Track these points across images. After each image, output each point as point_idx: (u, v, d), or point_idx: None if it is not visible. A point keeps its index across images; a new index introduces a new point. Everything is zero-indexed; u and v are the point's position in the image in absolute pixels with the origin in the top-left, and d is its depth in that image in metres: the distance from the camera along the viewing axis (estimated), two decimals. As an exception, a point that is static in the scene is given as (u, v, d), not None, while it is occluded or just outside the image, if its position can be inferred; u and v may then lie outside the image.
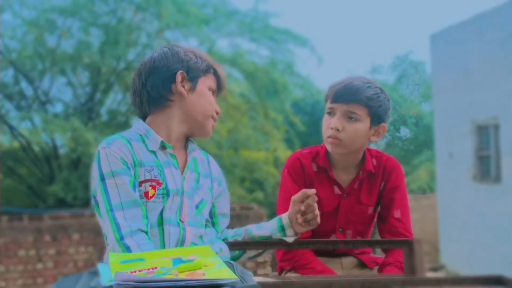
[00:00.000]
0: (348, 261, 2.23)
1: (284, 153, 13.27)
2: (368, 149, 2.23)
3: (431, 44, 11.63)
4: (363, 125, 2.09)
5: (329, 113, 2.12)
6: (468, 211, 10.41)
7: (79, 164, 11.98)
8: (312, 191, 1.85)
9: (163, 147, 1.69)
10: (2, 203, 10.01)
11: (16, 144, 12.86)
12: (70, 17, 12.02)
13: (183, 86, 1.73)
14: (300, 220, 1.88)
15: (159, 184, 1.63)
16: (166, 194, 1.63)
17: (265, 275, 2.26)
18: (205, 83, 1.76)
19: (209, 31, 12.97)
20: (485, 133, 10.01)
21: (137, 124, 1.76)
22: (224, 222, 1.90)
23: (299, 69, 15.25)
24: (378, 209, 2.24)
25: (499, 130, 9.65)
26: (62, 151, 12.78)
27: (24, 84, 12.58)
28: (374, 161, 2.21)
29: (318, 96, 23.09)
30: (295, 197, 1.90)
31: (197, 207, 1.71)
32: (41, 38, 11.97)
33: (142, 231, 1.57)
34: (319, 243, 2.08)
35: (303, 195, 1.86)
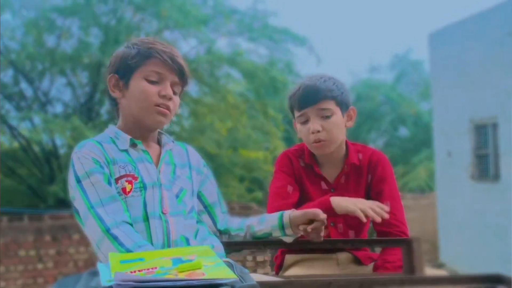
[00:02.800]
0: (344, 257, 2.24)
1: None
2: (353, 144, 2.27)
3: (430, 43, 11.64)
4: (337, 116, 2.14)
5: (303, 122, 2.16)
6: (467, 209, 10.42)
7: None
8: (323, 216, 1.82)
9: (133, 144, 1.72)
10: (2, 203, 10.01)
11: (16, 144, 12.86)
12: (70, 17, 12.02)
13: (119, 88, 1.77)
14: (302, 231, 1.87)
15: (134, 178, 1.66)
16: (144, 187, 1.65)
17: (265, 274, 2.27)
18: (142, 73, 1.72)
19: (208, 30, 12.98)
20: (484, 132, 10.02)
21: (108, 128, 1.80)
22: (218, 210, 1.91)
23: (298, 68, 15.24)
24: None
25: (497, 129, 9.66)
26: (62, 151, 12.78)
27: (23, 85, 12.58)
28: (360, 155, 2.24)
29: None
30: (308, 213, 1.88)
31: (177, 196, 1.72)
32: (40, 39, 11.96)
33: (127, 223, 1.58)
34: (318, 242, 2.08)
35: (314, 215, 1.83)
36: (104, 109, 13.41)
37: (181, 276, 1.28)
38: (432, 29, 11.86)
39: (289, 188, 2.23)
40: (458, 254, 10.52)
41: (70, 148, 11.59)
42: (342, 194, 2.13)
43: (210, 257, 1.39)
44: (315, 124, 2.11)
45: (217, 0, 13.39)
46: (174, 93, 1.75)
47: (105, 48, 11.80)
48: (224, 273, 1.30)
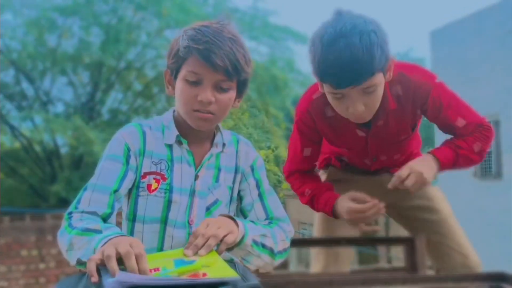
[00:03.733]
0: (387, 178, 1.98)
1: (285, 152, 13.27)
2: (391, 80, 1.83)
3: (431, 41, 11.62)
4: (381, 85, 1.75)
5: (337, 97, 1.75)
6: (469, 207, 10.41)
7: (80, 163, 11.99)
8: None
9: (179, 141, 1.61)
10: (4, 203, 10.01)
11: (17, 144, 12.88)
12: (71, 16, 12.03)
13: (172, 85, 1.61)
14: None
15: (163, 178, 1.57)
16: (170, 190, 1.56)
17: (267, 273, 2.26)
18: (182, 73, 1.55)
19: (209, 29, 12.95)
20: (486, 130, 9.98)
21: (168, 112, 1.67)
22: (253, 215, 1.67)
23: (299, 66, 15.23)
24: (414, 131, 2.04)
25: (499, 127, 9.64)
26: (63, 150, 12.80)
27: (25, 84, 12.60)
28: (398, 90, 1.87)
29: (318, 94, 23.14)
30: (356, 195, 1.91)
31: (207, 208, 1.61)
32: (41, 38, 11.97)
33: (97, 214, 1.47)
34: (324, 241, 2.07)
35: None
36: (106, 109, 13.43)
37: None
38: (433, 28, 11.85)
39: (306, 152, 2.07)
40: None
41: (72, 147, 11.61)
42: (381, 135, 1.95)
43: (212, 257, 1.38)
44: (357, 105, 1.73)
45: (218, -2, 13.40)
46: (222, 90, 1.55)
47: (106, 47, 11.80)
48: (226, 272, 1.29)
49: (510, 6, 9.42)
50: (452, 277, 1.61)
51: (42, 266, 8.14)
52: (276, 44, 14.10)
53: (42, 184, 12.65)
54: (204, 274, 1.28)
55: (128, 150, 1.56)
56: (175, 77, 1.58)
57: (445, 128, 2.00)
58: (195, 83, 1.53)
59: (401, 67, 1.87)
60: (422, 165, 1.87)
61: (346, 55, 1.62)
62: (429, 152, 1.95)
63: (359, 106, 1.73)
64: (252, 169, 1.70)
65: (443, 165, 1.92)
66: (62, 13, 11.94)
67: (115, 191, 1.51)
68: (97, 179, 1.52)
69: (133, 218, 1.57)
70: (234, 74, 1.53)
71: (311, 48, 1.70)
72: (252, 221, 1.62)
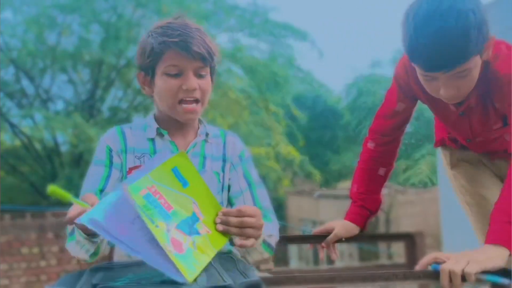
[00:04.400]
0: (503, 165, 1.94)
1: (286, 149, 13.27)
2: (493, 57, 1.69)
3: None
4: (475, 68, 1.62)
5: (428, 78, 1.65)
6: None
7: (81, 161, 11.99)
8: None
9: (161, 134, 1.67)
10: (4, 201, 10.02)
11: (17, 142, 12.88)
12: (70, 14, 12.02)
13: (148, 84, 1.67)
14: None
15: None
16: None
17: (268, 270, 2.26)
18: (161, 69, 1.61)
19: (208, 26, 12.95)
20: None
21: (149, 115, 1.74)
22: (240, 201, 1.70)
23: (299, 63, 15.23)
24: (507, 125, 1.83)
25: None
26: (63, 148, 12.81)
27: (25, 82, 12.59)
28: (492, 70, 1.69)
29: (319, 90, 23.09)
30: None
31: None
32: (41, 36, 11.96)
33: None
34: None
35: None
36: (106, 106, 13.43)
37: (191, 246, 1.28)
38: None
39: (399, 106, 2.01)
40: (461, 248, 10.49)
41: (72, 145, 11.61)
42: (475, 120, 1.84)
43: (212, 245, 1.37)
44: (449, 89, 1.62)
45: (218, -5, 13.38)
46: (201, 76, 1.63)
47: (106, 45, 11.80)
48: (198, 268, 1.29)
49: (509, 3, 9.40)
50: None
51: (43, 263, 8.15)
52: (276, 41, 14.11)
53: (43, 182, 12.65)
54: (181, 250, 1.27)
55: (110, 151, 1.65)
56: (152, 76, 1.64)
57: None
58: (177, 75, 1.60)
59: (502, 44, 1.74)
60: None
61: (439, 39, 1.50)
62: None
63: (450, 90, 1.63)
64: (240, 159, 1.75)
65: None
66: (62, 11, 11.93)
67: (101, 190, 1.59)
68: (84, 184, 1.63)
69: None
70: (210, 60, 1.62)
71: (404, 23, 1.59)
72: (266, 216, 1.64)
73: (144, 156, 1.64)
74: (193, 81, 1.61)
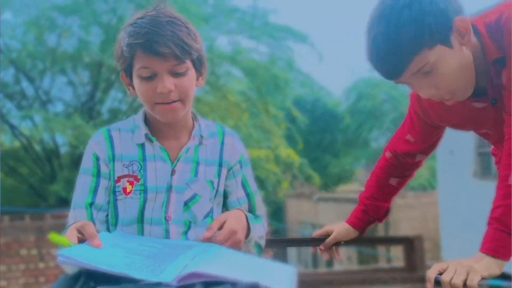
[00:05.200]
0: None
1: (285, 152, 13.28)
2: (481, 26, 1.56)
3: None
4: (444, 60, 1.49)
5: (407, 85, 1.57)
6: (469, 207, 10.41)
7: (80, 162, 11.98)
8: None
9: (150, 139, 1.58)
10: (3, 203, 10.01)
11: (17, 143, 12.88)
12: (70, 16, 12.02)
13: (130, 85, 1.58)
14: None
15: (136, 180, 1.55)
16: (144, 190, 1.54)
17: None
18: (135, 72, 1.52)
19: (208, 29, 12.96)
20: (486, 130, 10.00)
21: (139, 114, 1.64)
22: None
23: (299, 66, 15.24)
24: None
25: (499, 127, 9.64)
26: (63, 149, 12.81)
27: (24, 84, 12.60)
28: (499, 37, 1.54)
29: (319, 93, 23.09)
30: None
31: (186, 203, 1.57)
32: (41, 37, 11.97)
33: None
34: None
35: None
36: (105, 108, 13.44)
37: None
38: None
39: (409, 138, 1.93)
40: (460, 252, 10.51)
41: (71, 146, 11.61)
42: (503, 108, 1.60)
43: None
44: (424, 90, 1.53)
45: (218, -2, 13.40)
46: (179, 74, 1.50)
47: (105, 47, 11.80)
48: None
49: (510, 6, 9.43)
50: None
51: (41, 265, 8.15)
52: (276, 44, 14.12)
53: (42, 184, 12.66)
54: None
55: (97, 159, 1.57)
56: (131, 77, 1.55)
57: None
58: (150, 77, 1.49)
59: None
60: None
61: (376, 47, 1.46)
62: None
63: (427, 91, 1.52)
64: (241, 166, 1.67)
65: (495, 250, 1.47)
66: (62, 13, 11.94)
67: (90, 204, 1.55)
68: (74, 196, 1.59)
69: (115, 222, 1.57)
70: (185, 56, 1.48)
71: None
72: (256, 218, 1.64)
73: (132, 164, 1.56)
74: (167, 83, 1.48)
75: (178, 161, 1.58)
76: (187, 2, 12.30)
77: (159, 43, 1.45)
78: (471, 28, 1.49)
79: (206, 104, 12.16)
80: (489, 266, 1.44)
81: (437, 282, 1.44)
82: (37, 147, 12.63)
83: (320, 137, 23.14)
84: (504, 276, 1.47)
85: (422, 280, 1.44)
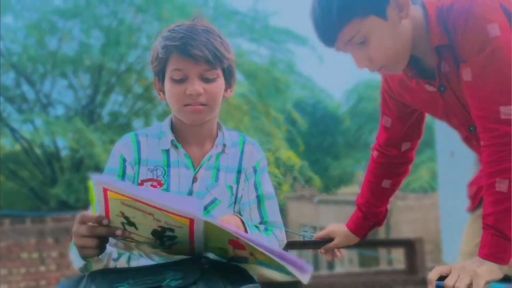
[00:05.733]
0: None
1: (286, 154, 13.27)
2: (434, 9, 1.53)
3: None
4: (377, 31, 1.49)
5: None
6: (470, 209, 10.41)
7: (81, 166, 11.99)
8: None
9: (175, 146, 1.64)
10: (4, 206, 10.02)
11: (18, 147, 12.88)
12: (71, 19, 12.03)
13: (161, 90, 1.65)
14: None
15: (160, 184, 1.60)
16: None
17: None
18: (168, 74, 1.59)
19: (209, 32, 12.95)
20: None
21: (168, 118, 1.70)
22: (247, 214, 1.67)
23: (300, 68, 15.25)
24: None
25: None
26: (64, 153, 12.81)
27: (25, 87, 12.60)
28: (450, 23, 1.50)
29: (319, 96, 23.09)
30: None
31: (205, 208, 1.62)
32: (42, 41, 11.98)
33: None
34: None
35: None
36: (106, 111, 13.44)
37: None
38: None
39: (386, 121, 1.93)
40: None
41: (72, 150, 11.61)
42: (459, 87, 1.56)
43: None
44: (358, 60, 1.55)
45: (218, 1, 13.41)
46: (209, 80, 1.57)
47: (106, 50, 11.81)
48: None
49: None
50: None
51: (42, 268, 8.14)
52: (277, 46, 14.12)
53: (43, 187, 12.65)
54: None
55: (124, 161, 1.61)
56: (163, 81, 1.61)
57: (479, 113, 1.50)
58: (181, 80, 1.56)
59: None
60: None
61: (314, 13, 1.49)
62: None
63: (360, 62, 1.54)
64: (255, 170, 1.71)
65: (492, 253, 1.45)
66: (63, 16, 11.95)
67: None
68: None
69: None
70: (216, 62, 1.56)
71: None
72: (258, 227, 1.63)
73: (157, 169, 1.61)
74: (197, 86, 1.55)
75: (200, 168, 1.63)
76: (188, 5, 12.31)
77: (193, 46, 1.52)
78: (410, 1, 1.48)
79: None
80: (491, 270, 1.44)
81: (439, 286, 1.44)
82: (38, 151, 12.63)
83: (321, 140, 23.14)
84: (504, 279, 1.47)
85: (423, 282, 1.44)
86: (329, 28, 1.48)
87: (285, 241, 1.70)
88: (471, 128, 1.68)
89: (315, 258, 14.09)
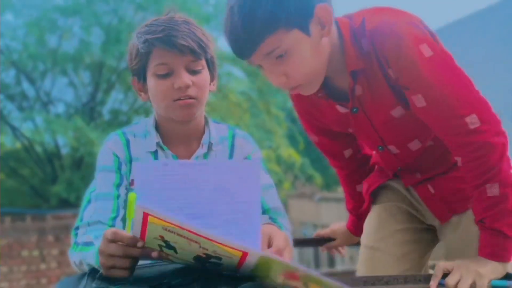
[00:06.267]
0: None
1: (287, 151, 13.27)
2: (348, 30, 1.49)
3: (433, 40, 11.62)
4: (298, 46, 1.40)
5: (259, 67, 1.48)
6: (471, 207, 10.43)
7: (81, 164, 12.00)
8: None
9: (161, 147, 1.59)
10: (4, 204, 10.03)
11: (18, 144, 12.89)
12: (71, 16, 12.03)
13: (143, 90, 1.59)
14: None
15: None
16: None
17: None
18: (150, 70, 1.52)
19: (210, 29, 12.94)
20: (487, 129, 9.99)
21: (149, 118, 1.64)
22: None
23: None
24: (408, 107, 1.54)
25: (501, 126, 9.62)
26: (64, 151, 12.81)
27: (25, 85, 12.60)
28: (364, 43, 1.46)
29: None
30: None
31: None
32: (42, 38, 11.97)
33: (102, 222, 1.49)
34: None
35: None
36: (106, 109, 13.44)
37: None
38: (435, 26, 11.83)
39: (312, 138, 1.89)
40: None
41: (72, 148, 11.61)
42: (371, 110, 1.57)
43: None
44: (273, 76, 1.46)
45: (219, -2, 13.40)
46: (195, 72, 1.52)
47: (106, 48, 11.80)
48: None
49: (511, 6, 9.40)
50: (454, 277, 1.60)
51: (43, 266, 8.16)
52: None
53: (43, 185, 12.66)
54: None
55: (118, 158, 1.56)
56: (144, 80, 1.55)
57: (438, 126, 1.49)
58: (167, 74, 1.50)
59: (373, 12, 1.49)
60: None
61: (231, 20, 1.38)
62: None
63: (275, 78, 1.45)
64: None
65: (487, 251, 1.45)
66: (63, 14, 11.95)
67: (118, 196, 1.53)
68: (98, 189, 1.54)
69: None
70: (201, 52, 1.51)
71: None
72: (273, 219, 1.58)
73: None
74: (185, 78, 1.49)
75: None
76: (188, 2, 12.31)
77: (177, 36, 1.46)
78: (332, 18, 1.42)
79: (208, 104, 12.10)
80: (494, 269, 1.43)
81: (441, 284, 1.43)
82: (38, 148, 12.64)
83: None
84: (506, 276, 1.46)
85: (425, 280, 1.44)
86: (251, 38, 1.36)
87: (290, 229, 1.65)
88: (380, 147, 1.68)
89: (316, 256, 14.10)
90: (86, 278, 1.38)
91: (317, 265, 14.92)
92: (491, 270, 1.43)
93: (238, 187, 1.26)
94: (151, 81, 1.53)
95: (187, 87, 1.50)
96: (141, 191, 1.22)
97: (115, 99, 13.43)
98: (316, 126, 1.82)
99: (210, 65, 1.58)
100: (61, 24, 12.18)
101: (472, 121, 1.43)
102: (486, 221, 1.45)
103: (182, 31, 1.48)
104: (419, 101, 1.44)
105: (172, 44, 1.47)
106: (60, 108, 13.15)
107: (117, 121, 12.95)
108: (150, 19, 1.59)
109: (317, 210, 16.75)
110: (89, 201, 1.54)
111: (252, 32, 1.35)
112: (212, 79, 1.61)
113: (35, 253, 8.11)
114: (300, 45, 1.39)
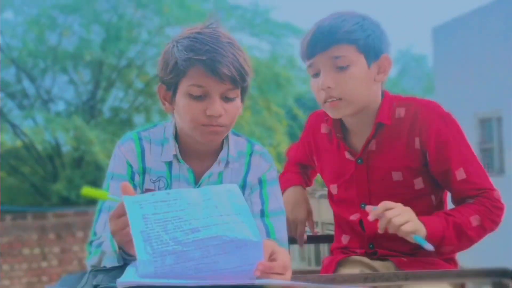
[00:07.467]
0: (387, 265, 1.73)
1: (287, 148, 13.28)
2: (391, 97, 1.69)
3: (433, 38, 11.60)
4: (358, 68, 1.60)
5: (313, 75, 1.65)
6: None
7: (82, 162, 12.00)
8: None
9: (177, 159, 1.54)
10: (5, 202, 10.02)
11: (18, 142, 12.89)
12: (71, 14, 12.03)
13: (169, 100, 1.52)
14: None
15: None
16: None
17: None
18: (184, 87, 1.44)
19: (209, 27, 12.92)
20: (488, 126, 9.99)
21: (169, 124, 1.56)
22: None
23: (300, 63, 15.21)
24: (416, 176, 1.66)
25: (502, 123, 9.62)
26: (64, 149, 12.81)
27: (26, 83, 12.61)
28: (400, 111, 1.65)
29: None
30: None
31: None
32: (42, 36, 11.97)
33: None
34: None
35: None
36: (107, 107, 13.44)
37: None
38: (435, 24, 11.82)
39: (294, 146, 2.06)
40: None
41: (73, 146, 11.61)
42: (374, 166, 1.68)
43: None
44: (326, 77, 1.60)
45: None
46: (229, 99, 1.45)
47: (106, 45, 11.80)
48: None
49: (510, 3, 9.39)
50: (454, 273, 1.60)
51: (44, 264, 8.16)
52: (277, 41, 14.11)
53: (44, 183, 12.66)
54: None
55: (131, 167, 1.52)
56: (174, 92, 1.48)
57: (440, 176, 1.66)
58: (200, 97, 1.43)
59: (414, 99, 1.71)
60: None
61: (319, 26, 1.64)
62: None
63: (327, 81, 1.59)
64: (260, 182, 1.58)
65: (430, 230, 1.52)
66: (63, 11, 11.95)
67: None
68: (106, 203, 1.48)
69: None
70: (240, 82, 1.45)
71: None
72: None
73: (160, 180, 1.53)
74: (219, 107, 1.43)
75: (200, 185, 1.54)
76: (188, 0, 12.31)
77: (222, 63, 1.39)
78: (390, 70, 1.65)
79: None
80: (420, 231, 1.50)
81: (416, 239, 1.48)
82: (39, 147, 12.65)
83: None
84: (505, 273, 1.47)
85: (425, 277, 1.44)
86: (331, 34, 1.59)
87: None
88: (362, 205, 1.70)
89: (316, 252, 14.10)
90: (87, 275, 1.38)
91: (318, 262, 14.91)
92: (418, 230, 1.49)
93: (226, 204, 1.22)
94: (182, 100, 1.46)
95: (220, 115, 1.44)
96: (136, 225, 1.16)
97: (115, 97, 13.44)
98: (304, 153, 1.95)
99: (243, 93, 1.52)
100: (61, 22, 12.18)
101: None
102: (448, 211, 1.63)
103: (226, 56, 1.41)
104: (460, 174, 1.62)
105: (215, 71, 1.39)
106: (60, 106, 13.16)
107: (118, 118, 12.95)
108: (151, 17, 1.53)
109: (318, 207, 16.74)
110: (100, 211, 1.50)
111: (336, 32, 1.58)
112: (241, 104, 1.55)
113: (36, 251, 8.11)
114: (360, 68, 1.60)
